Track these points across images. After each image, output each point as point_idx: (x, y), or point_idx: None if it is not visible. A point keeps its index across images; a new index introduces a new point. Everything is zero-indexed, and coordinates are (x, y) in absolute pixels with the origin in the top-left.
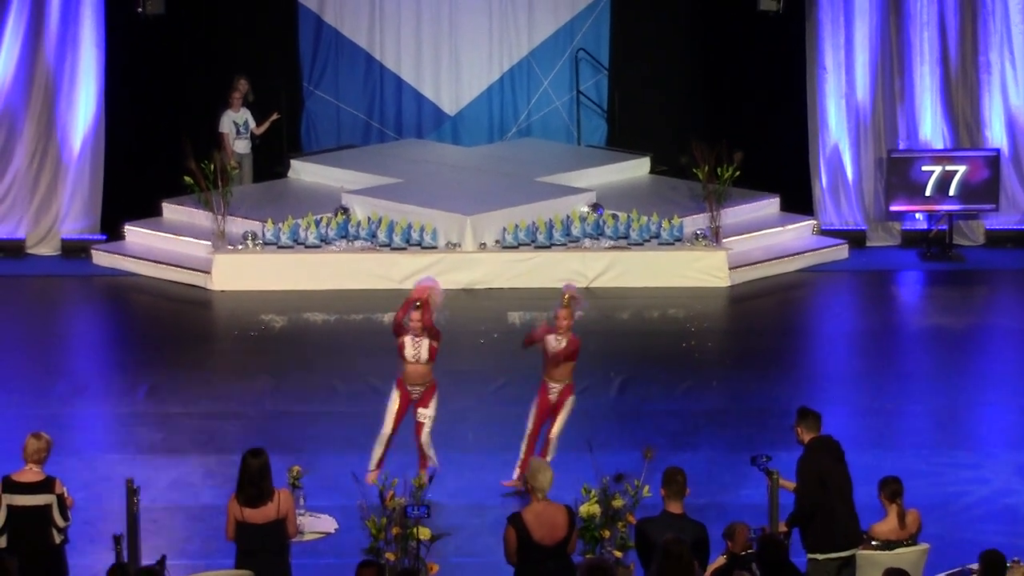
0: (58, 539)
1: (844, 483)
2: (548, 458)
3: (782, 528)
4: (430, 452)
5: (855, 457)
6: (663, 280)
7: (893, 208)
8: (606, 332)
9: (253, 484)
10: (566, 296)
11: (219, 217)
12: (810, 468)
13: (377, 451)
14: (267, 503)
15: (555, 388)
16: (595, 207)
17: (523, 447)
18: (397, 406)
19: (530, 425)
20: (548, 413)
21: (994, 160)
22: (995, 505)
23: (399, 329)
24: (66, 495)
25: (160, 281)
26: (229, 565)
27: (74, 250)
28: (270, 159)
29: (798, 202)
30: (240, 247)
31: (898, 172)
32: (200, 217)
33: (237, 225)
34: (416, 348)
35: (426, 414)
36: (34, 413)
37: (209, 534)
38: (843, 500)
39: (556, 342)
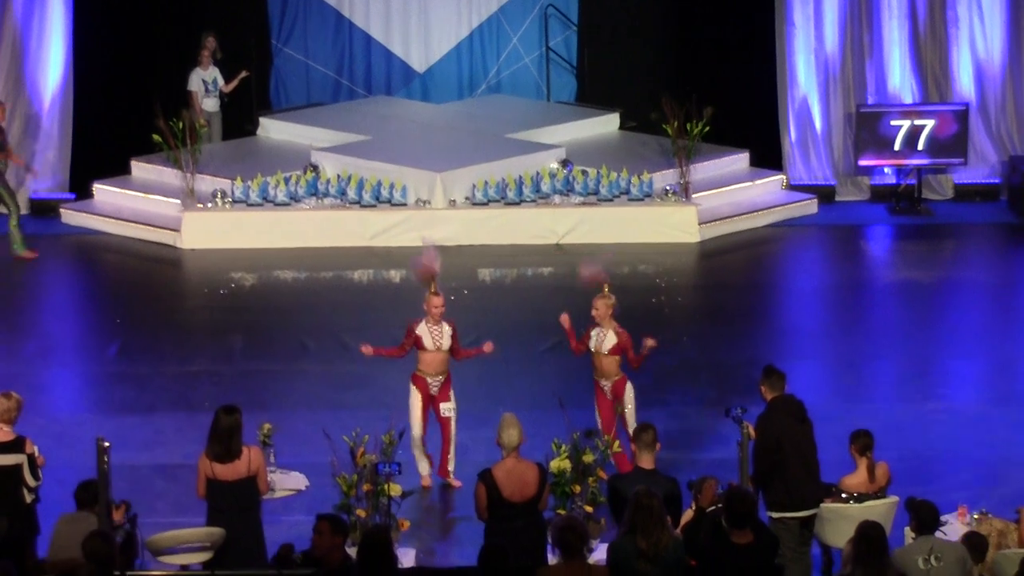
0: (29, 498)
1: (804, 443)
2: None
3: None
4: (452, 449)
5: (825, 411)
6: (633, 236)
7: (862, 163)
8: (575, 288)
9: (220, 441)
10: (606, 287)
11: (188, 175)
12: (768, 427)
13: (419, 456)
14: (236, 461)
15: (606, 385)
16: (565, 163)
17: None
18: (420, 405)
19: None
20: (614, 411)
21: (963, 114)
22: (964, 459)
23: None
24: (37, 454)
25: (129, 240)
26: (200, 523)
27: (43, 209)
28: (239, 117)
29: (767, 157)
30: (209, 205)
31: (867, 127)
32: (169, 175)
33: (206, 183)
34: (436, 337)
35: (450, 407)
36: (4, 372)
37: (180, 492)
38: (801, 460)
39: (599, 339)
